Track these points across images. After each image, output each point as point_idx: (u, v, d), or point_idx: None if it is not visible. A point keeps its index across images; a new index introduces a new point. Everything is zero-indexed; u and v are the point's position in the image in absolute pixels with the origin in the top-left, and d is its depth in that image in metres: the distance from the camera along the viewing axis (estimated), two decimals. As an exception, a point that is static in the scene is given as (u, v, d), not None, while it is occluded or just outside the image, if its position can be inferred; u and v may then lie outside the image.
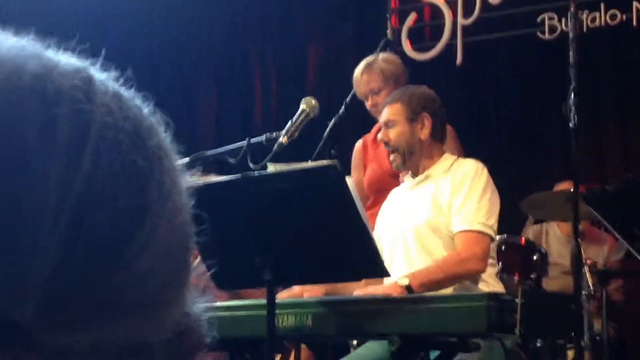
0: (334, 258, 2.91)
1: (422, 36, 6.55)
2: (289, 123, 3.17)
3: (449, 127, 4.20)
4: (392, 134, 3.69)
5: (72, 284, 0.52)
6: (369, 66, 4.40)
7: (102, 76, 0.59)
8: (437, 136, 3.71)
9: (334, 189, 2.81)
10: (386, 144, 3.74)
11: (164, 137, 0.60)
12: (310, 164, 3.64)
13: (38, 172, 0.52)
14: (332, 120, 4.46)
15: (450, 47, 6.30)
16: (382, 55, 4.53)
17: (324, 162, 3.15)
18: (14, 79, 0.54)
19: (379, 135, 3.76)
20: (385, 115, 3.74)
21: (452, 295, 2.99)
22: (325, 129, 4.41)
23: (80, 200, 0.52)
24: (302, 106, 3.22)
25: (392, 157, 3.73)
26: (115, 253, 0.53)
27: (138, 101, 0.60)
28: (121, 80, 0.60)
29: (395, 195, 3.83)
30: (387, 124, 3.73)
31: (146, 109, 0.60)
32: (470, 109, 6.38)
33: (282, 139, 3.12)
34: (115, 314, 0.53)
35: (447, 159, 3.71)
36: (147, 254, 0.54)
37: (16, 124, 0.52)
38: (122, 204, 0.54)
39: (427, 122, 3.66)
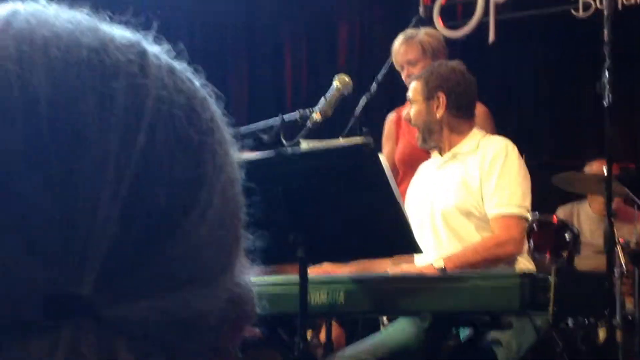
0: (367, 235, 2.92)
1: (454, 14, 6.50)
2: (322, 100, 3.17)
3: (483, 109, 4.18)
4: (413, 112, 3.70)
5: (131, 256, 0.53)
6: (409, 37, 4.38)
7: (156, 49, 0.59)
8: (460, 113, 3.67)
9: (368, 166, 2.81)
10: (409, 121, 3.75)
11: (217, 110, 0.60)
12: (342, 141, 3.64)
13: (97, 145, 0.52)
14: (363, 98, 4.45)
15: (483, 24, 6.25)
16: (424, 29, 4.52)
17: (358, 139, 3.14)
18: (72, 53, 0.54)
19: (404, 112, 3.76)
20: (409, 92, 3.76)
21: (486, 274, 2.99)
22: (355, 106, 4.41)
23: (138, 173, 0.53)
24: (336, 83, 3.21)
25: (417, 133, 3.75)
26: (172, 224, 0.54)
27: (190, 74, 0.60)
28: (174, 53, 0.60)
29: (423, 173, 3.81)
30: (410, 102, 3.75)
31: (198, 82, 0.60)
32: (502, 87, 6.34)
33: (316, 115, 3.11)
34: (171, 285, 0.54)
35: (475, 135, 3.67)
36: (202, 225, 0.55)
37: (75, 98, 0.53)
38: (178, 176, 0.54)
39: (442, 101, 3.64)
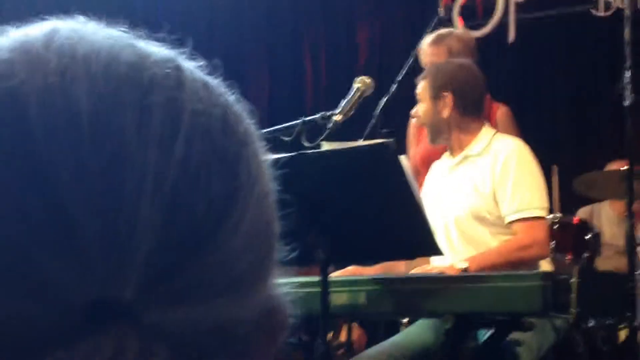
0: (388, 236, 2.92)
1: (474, 13, 6.49)
2: (344, 101, 3.17)
3: (505, 109, 4.15)
4: (420, 111, 3.67)
5: (170, 264, 0.54)
6: (438, 39, 4.32)
7: (190, 65, 0.61)
8: (468, 112, 3.62)
9: (389, 168, 2.82)
10: (417, 119, 3.73)
11: (250, 123, 0.62)
12: (364, 142, 3.64)
13: (136, 157, 0.54)
14: (383, 99, 4.45)
15: (503, 24, 6.24)
16: (455, 32, 4.48)
17: (379, 140, 3.15)
18: (111, 68, 0.56)
19: (413, 110, 3.75)
20: (417, 90, 3.71)
21: (507, 275, 2.98)
22: (375, 107, 4.40)
23: (175, 184, 0.54)
24: (358, 84, 3.21)
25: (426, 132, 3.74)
26: (208, 234, 0.55)
27: (224, 89, 0.62)
28: (207, 69, 0.62)
29: (435, 174, 3.79)
30: (418, 100, 3.70)
31: (232, 97, 0.62)
32: (522, 87, 6.33)
33: (337, 117, 3.11)
34: (208, 293, 0.55)
35: (485, 134, 3.62)
36: (238, 235, 0.56)
37: (115, 112, 0.54)
38: (215, 187, 0.56)
39: (449, 100, 3.59)
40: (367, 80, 3.23)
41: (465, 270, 3.23)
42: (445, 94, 3.60)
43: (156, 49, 0.60)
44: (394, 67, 4.69)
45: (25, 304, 0.52)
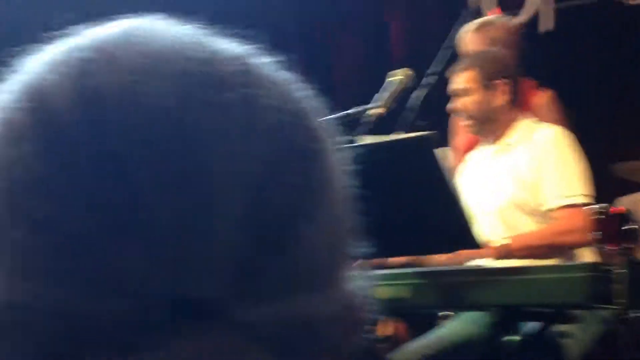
0: (426, 230, 2.90)
1: (508, 2, 6.44)
2: (384, 94, 3.15)
3: (550, 92, 4.10)
4: (468, 102, 3.59)
5: (256, 260, 0.54)
6: (480, 27, 4.22)
7: (262, 60, 0.61)
8: (515, 100, 3.60)
9: (427, 161, 2.80)
10: (460, 113, 3.66)
11: (323, 118, 0.62)
12: (401, 135, 3.62)
13: (216, 154, 0.54)
14: (417, 91, 4.41)
15: (537, 13, 6.19)
16: (498, 20, 4.38)
17: (418, 133, 3.12)
18: (186, 67, 0.56)
19: (449, 105, 3.68)
20: (457, 82, 3.63)
21: (553, 266, 2.95)
22: (405, 100, 4.36)
23: (255, 181, 0.54)
24: (399, 76, 3.19)
25: (465, 123, 3.66)
26: (290, 229, 0.55)
27: (297, 84, 0.61)
28: (280, 64, 0.62)
29: (473, 163, 3.75)
30: (461, 92, 3.62)
31: (305, 91, 0.62)
32: (558, 76, 6.27)
33: (379, 110, 3.09)
34: (293, 288, 0.56)
35: (524, 122, 3.60)
36: (317, 230, 0.57)
37: (191, 110, 0.54)
38: (292, 183, 0.56)
39: (505, 88, 3.55)
40: (408, 72, 3.21)
41: (506, 246, 3.20)
42: (500, 81, 3.54)
43: (227, 45, 0.60)
44: (427, 60, 4.66)
45: (111, 300, 0.52)
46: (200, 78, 0.56)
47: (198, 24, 0.61)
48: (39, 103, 0.55)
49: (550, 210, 3.43)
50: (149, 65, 0.55)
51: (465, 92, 3.62)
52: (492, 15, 4.46)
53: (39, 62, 0.58)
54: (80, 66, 0.56)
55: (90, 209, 0.52)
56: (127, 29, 0.58)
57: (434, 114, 4.63)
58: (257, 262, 0.54)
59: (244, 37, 0.62)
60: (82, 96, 0.54)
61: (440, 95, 4.93)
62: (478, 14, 6.15)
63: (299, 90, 0.61)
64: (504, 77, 3.56)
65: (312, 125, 0.59)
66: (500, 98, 3.56)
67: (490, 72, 3.57)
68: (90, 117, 0.54)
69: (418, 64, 5.07)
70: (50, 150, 0.53)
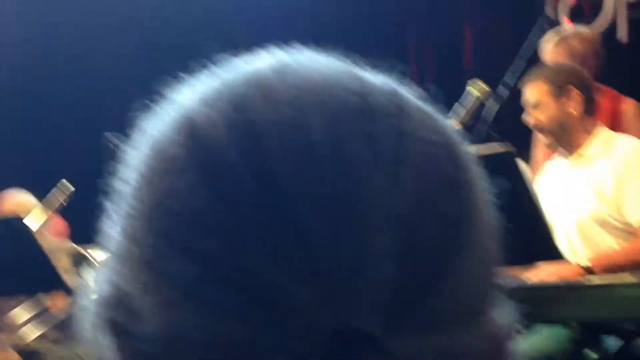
0: (509, 243, 2.88)
1: (581, 12, 6.37)
2: (460, 108, 3.14)
3: (634, 102, 4.04)
4: (542, 115, 3.55)
5: (412, 293, 0.54)
6: (560, 39, 4.22)
7: (408, 91, 0.61)
8: (589, 110, 3.55)
9: (510, 175, 2.78)
10: (535, 126, 3.62)
11: (467, 147, 0.61)
12: (480, 148, 3.59)
13: (368, 185, 0.54)
14: (492, 102, 4.37)
15: (612, 24, 6.11)
16: (580, 31, 4.36)
17: (496, 145, 3.11)
18: (340, 97, 0.56)
19: (525, 118, 3.64)
20: (530, 96, 3.59)
21: (634, 283, 2.90)
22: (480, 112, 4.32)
23: (408, 213, 0.54)
24: (476, 92, 3.17)
25: (542, 136, 3.62)
26: (443, 263, 0.55)
27: (441, 114, 0.61)
28: (422, 94, 0.61)
29: (551, 175, 3.70)
30: (534, 105, 3.58)
31: (448, 121, 0.61)
32: (634, 87, 6.18)
33: (453, 123, 3.08)
34: (448, 321, 0.55)
35: (601, 133, 3.53)
36: (468, 261, 0.56)
37: (347, 142, 0.54)
38: (445, 214, 0.56)
39: (577, 97, 3.50)
40: (484, 86, 3.20)
41: (587, 269, 3.16)
42: (572, 90, 3.50)
43: (375, 76, 0.60)
44: (501, 70, 4.61)
45: (272, 331, 0.52)
46: (355, 110, 0.56)
47: (336, 54, 0.61)
48: (195, 137, 0.56)
49: (633, 225, 3.36)
50: (306, 99, 0.56)
51: (537, 105, 3.58)
52: (571, 27, 4.40)
53: (191, 95, 0.59)
54: (235, 100, 0.56)
55: (253, 241, 0.53)
56: (279, 62, 0.59)
57: (508, 124, 4.60)
58: (411, 294, 0.54)
59: (385, 67, 0.62)
60: (239, 130, 0.55)
61: (514, 106, 4.90)
62: (555, 21, 6.10)
63: (443, 120, 0.61)
64: (576, 88, 3.52)
65: (460, 156, 0.59)
66: (573, 109, 3.51)
67: (561, 83, 3.53)
68: (249, 151, 0.54)
69: (492, 71, 5.05)
70: (208, 183, 0.54)
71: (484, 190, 0.60)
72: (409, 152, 0.55)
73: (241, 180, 0.53)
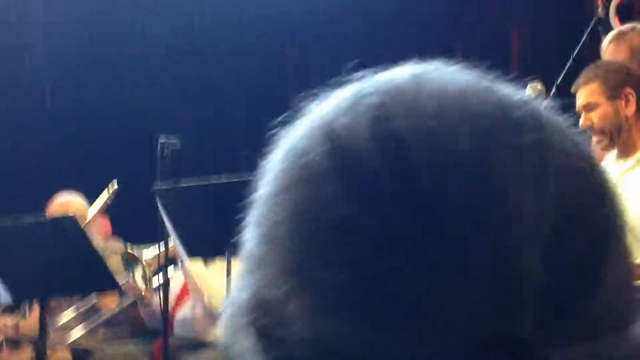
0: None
1: (632, 11, 6.30)
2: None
3: None
4: (595, 117, 3.48)
5: (562, 301, 0.54)
6: (619, 36, 4.15)
7: (542, 103, 0.61)
8: None
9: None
10: (589, 128, 3.56)
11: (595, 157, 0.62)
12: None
13: (514, 196, 0.54)
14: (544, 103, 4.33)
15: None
16: (637, 28, 4.27)
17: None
18: (483, 110, 0.57)
19: (581, 122, 3.58)
20: (582, 97, 3.52)
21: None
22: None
23: (555, 224, 0.55)
24: (529, 91, 3.15)
25: (596, 139, 3.55)
26: (593, 272, 0.56)
27: (573, 126, 0.61)
28: (553, 107, 0.62)
29: None
30: (587, 107, 3.51)
31: (577, 132, 0.62)
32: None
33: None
34: (598, 330, 0.56)
35: None
36: (616, 269, 0.57)
37: (493, 152, 0.55)
38: (592, 225, 0.56)
39: (632, 97, 3.44)
40: (539, 87, 3.17)
41: None
42: (627, 91, 3.44)
43: (509, 89, 0.60)
44: (550, 71, 4.58)
45: (421, 340, 0.52)
46: (496, 121, 0.56)
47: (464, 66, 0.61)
48: (337, 146, 0.56)
49: None
50: (447, 109, 0.56)
51: (590, 107, 3.52)
52: (629, 25, 4.33)
53: (330, 106, 0.59)
54: (374, 111, 0.57)
55: (403, 250, 0.53)
56: (417, 74, 0.59)
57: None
58: (563, 301, 0.54)
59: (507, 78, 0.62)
60: (381, 140, 0.55)
61: (566, 109, 4.86)
62: (607, 23, 6.03)
63: (576, 131, 0.61)
64: (629, 87, 3.46)
65: (598, 167, 0.60)
66: (627, 109, 3.46)
67: (613, 83, 3.47)
68: (392, 160, 0.54)
69: (542, 75, 5.02)
70: (352, 191, 0.54)
71: (618, 198, 0.61)
72: (552, 164, 0.56)
73: (388, 188, 0.54)
